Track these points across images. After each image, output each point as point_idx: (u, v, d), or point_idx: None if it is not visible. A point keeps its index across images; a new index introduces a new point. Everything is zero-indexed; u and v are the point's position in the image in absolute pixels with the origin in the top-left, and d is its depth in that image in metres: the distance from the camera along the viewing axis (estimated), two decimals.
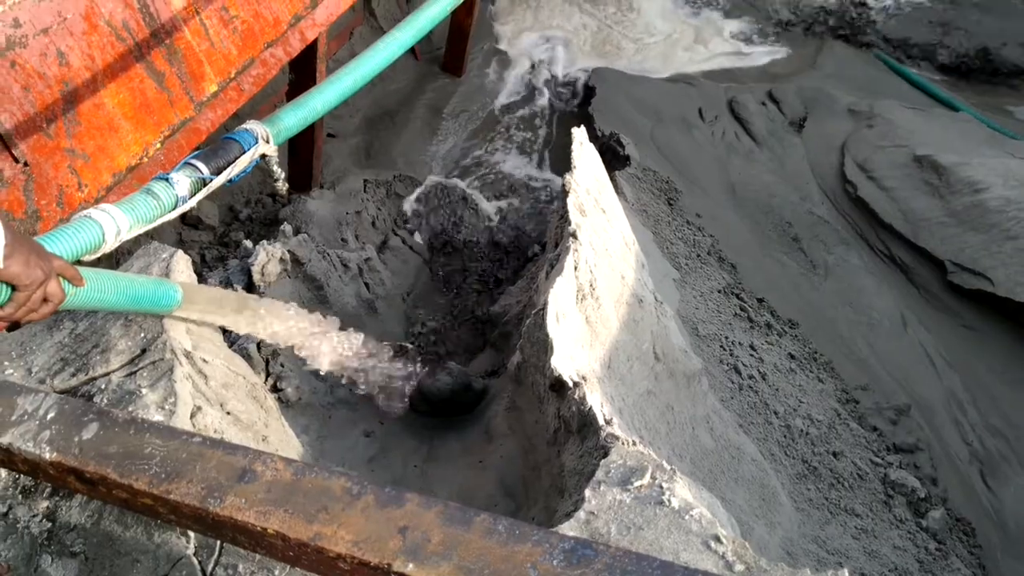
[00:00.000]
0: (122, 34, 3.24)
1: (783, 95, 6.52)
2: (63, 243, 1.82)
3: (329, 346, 3.18)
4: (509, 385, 3.20)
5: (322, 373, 3.22)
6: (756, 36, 7.72)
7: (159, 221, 2.21)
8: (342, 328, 3.29)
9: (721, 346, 4.14)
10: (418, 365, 3.60)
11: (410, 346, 3.75)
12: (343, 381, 3.36)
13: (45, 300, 1.60)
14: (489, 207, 5.80)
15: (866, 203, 5.47)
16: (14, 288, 1.52)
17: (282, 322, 2.91)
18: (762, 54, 7.52)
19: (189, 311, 2.41)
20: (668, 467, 1.96)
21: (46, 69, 2.98)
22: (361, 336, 3.35)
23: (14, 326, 2.48)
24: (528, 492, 2.88)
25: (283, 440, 2.68)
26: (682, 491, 1.88)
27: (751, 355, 4.19)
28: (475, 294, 4.98)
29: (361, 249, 4.52)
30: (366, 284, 4.13)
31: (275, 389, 3.14)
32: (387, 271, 4.50)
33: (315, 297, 3.73)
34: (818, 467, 3.82)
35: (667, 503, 1.84)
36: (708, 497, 2.81)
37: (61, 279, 1.67)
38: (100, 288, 1.89)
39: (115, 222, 1.99)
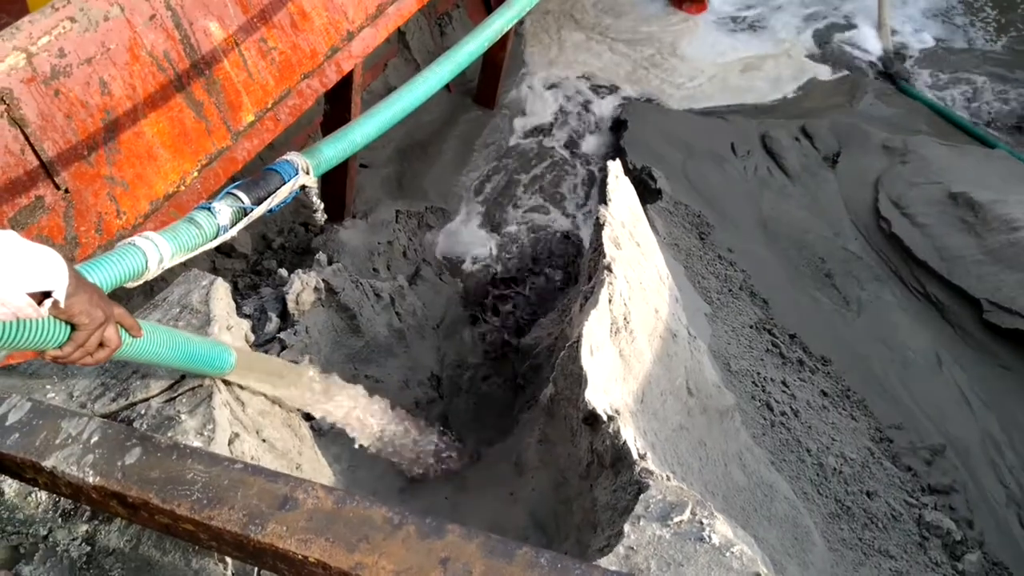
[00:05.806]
0: (163, 64, 3.30)
1: (816, 130, 6.50)
2: (107, 270, 1.83)
3: (377, 429, 3.18)
4: (541, 417, 3.19)
5: (363, 447, 3.21)
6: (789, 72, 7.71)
7: (200, 249, 2.22)
8: (393, 409, 3.29)
9: (753, 382, 4.10)
10: (455, 451, 3.59)
11: (448, 432, 3.74)
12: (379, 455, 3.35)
13: (101, 345, 1.60)
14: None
15: (900, 240, 5.42)
16: (74, 327, 1.52)
17: (336, 404, 2.90)
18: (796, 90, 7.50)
19: (243, 377, 2.40)
20: (708, 503, 1.94)
21: (89, 98, 3.03)
22: (407, 418, 3.35)
23: None
24: (560, 526, 2.86)
25: (316, 468, 2.69)
26: (722, 527, 1.85)
27: (783, 391, 4.15)
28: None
29: (393, 279, 4.54)
30: (397, 314, 4.13)
31: (308, 417, 3.14)
32: (418, 301, 4.52)
33: (348, 326, 3.74)
34: (852, 507, 3.76)
35: (707, 539, 1.82)
36: (742, 535, 2.78)
37: (119, 327, 1.68)
38: (156, 342, 1.89)
39: (158, 250, 2.01)
